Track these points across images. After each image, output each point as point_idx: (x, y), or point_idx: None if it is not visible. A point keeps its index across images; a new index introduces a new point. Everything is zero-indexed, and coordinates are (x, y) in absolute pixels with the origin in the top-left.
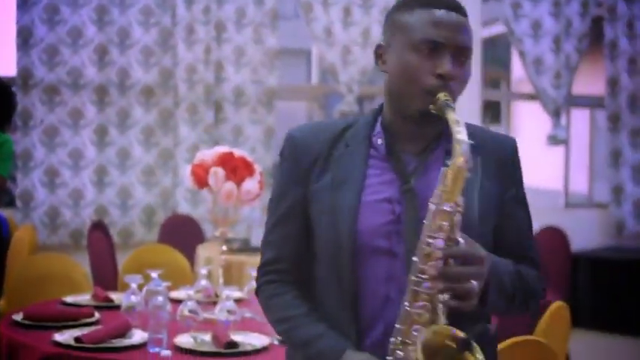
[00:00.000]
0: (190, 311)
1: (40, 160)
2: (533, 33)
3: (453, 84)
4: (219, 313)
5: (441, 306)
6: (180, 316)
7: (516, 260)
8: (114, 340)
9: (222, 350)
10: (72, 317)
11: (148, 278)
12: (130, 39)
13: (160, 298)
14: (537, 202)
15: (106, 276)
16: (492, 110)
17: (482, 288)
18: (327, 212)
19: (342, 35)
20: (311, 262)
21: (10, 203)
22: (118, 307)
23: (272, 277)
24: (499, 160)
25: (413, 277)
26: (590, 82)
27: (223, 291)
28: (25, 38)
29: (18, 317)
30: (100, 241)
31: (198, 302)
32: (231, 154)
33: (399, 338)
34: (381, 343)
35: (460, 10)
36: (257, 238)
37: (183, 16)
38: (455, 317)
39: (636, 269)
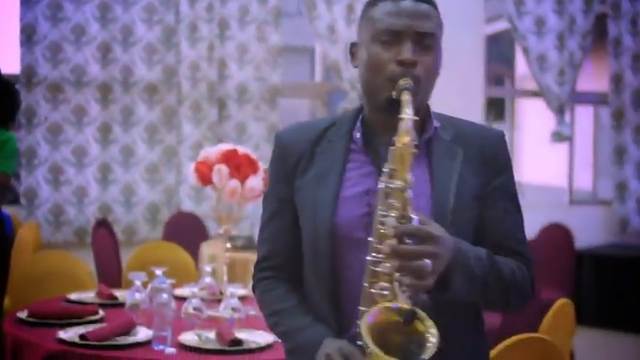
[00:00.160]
0: (195, 309)
1: (44, 157)
2: (537, 30)
3: (418, 69)
4: (223, 311)
5: (397, 285)
6: (185, 314)
7: (503, 254)
8: (118, 338)
9: (227, 348)
10: (76, 315)
11: (152, 276)
12: (134, 36)
13: (165, 296)
14: (541, 199)
15: (110, 273)
16: (496, 107)
17: (445, 272)
18: (308, 207)
19: (346, 32)
20: (302, 257)
21: (14, 201)
22: (122, 305)
23: (266, 273)
24: (482, 153)
25: (370, 258)
26: (594, 79)
27: (227, 288)
28: (28, 35)
29: (22, 315)
30: (105, 238)
31: (203, 300)
32: (235, 152)
33: None
34: None
35: None
36: None
37: (186, 13)
38: (440, 311)
39: None
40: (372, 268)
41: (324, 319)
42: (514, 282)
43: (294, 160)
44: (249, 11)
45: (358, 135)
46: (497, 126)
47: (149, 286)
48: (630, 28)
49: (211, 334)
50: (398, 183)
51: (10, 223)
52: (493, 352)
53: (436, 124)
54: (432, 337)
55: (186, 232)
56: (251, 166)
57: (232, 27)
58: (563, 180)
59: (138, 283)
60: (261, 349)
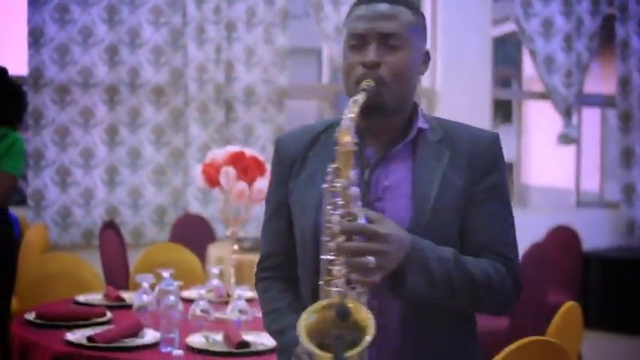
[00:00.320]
0: (202, 311)
1: (52, 159)
2: (544, 32)
3: (382, 70)
4: (230, 313)
5: (342, 282)
6: (192, 316)
7: (486, 256)
8: (126, 340)
9: (234, 350)
10: (84, 316)
11: (159, 278)
12: (141, 38)
13: (172, 298)
14: (548, 201)
15: (118, 275)
16: (503, 109)
17: (400, 269)
18: (298, 208)
19: None
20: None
21: (22, 202)
22: (129, 307)
23: (266, 273)
24: (471, 154)
25: (323, 256)
26: (601, 81)
27: (235, 290)
28: (36, 38)
29: (30, 316)
30: (112, 240)
31: (210, 302)
32: (242, 154)
33: None
34: None
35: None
36: None
37: (193, 15)
38: (417, 314)
39: None
40: (327, 266)
41: None
42: (487, 284)
43: (289, 164)
44: (256, 13)
45: None
46: (504, 128)
47: (156, 288)
48: (638, 29)
49: (219, 337)
50: (341, 181)
51: (18, 224)
52: (500, 356)
53: (424, 125)
54: (370, 329)
55: (193, 234)
56: (258, 168)
57: (239, 29)
58: (570, 182)
59: (145, 285)
60: (269, 352)
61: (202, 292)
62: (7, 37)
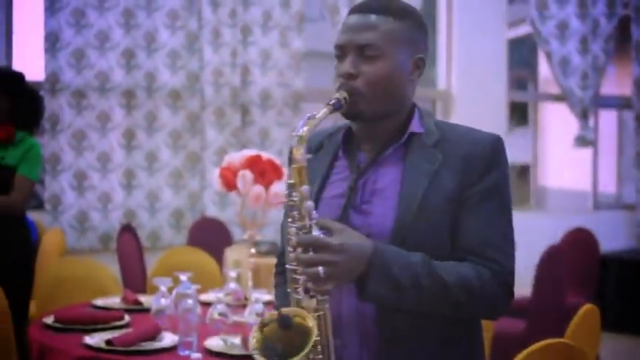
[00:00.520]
0: (220, 314)
1: (69, 163)
2: (560, 34)
3: (358, 81)
4: (248, 316)
5: (302, 289)
6: (210, 319)
7: (476, 260)
8: (144, 343)
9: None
10: (102, 320)
11: (177, 281)
12: (157, 43)
13: (190, 301)
14: (565, 204)
15: (135, 279)
16: (519, 112)
17: (362, 277)
18: None
19: None
20: None
21: (39, 207)
22: (147, 310)
23: (279, 269)
24: (466, 157)
25: (287, 265)
26: (617, 82)
27: (252, 294)
28: (52, 42)
29: (49, 320)
30: (129, 244)
31: (228, 305)
32: (259, 157)
33: None
34: (335, 333)
35: (370, 10)
36: None
37: (209, 19)
38: (402, 317)
39: None
40: (292, 275)
41: None
42: (465, 288)
43: None
44: (272, 17)
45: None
46: (520, 130)
47: (174, 292)
48: None
49: (237, 340)
50: (295, 195)
51: (35, 229)
52: (518, 358)
53: (418, 129)
54: (311, 338)
55: (211, 237)
56: (275, 171)
57: (255, 32)
58: (587, 184)
59: (163, 288)
60: None
61: (220, 295)
62: (24, 42)
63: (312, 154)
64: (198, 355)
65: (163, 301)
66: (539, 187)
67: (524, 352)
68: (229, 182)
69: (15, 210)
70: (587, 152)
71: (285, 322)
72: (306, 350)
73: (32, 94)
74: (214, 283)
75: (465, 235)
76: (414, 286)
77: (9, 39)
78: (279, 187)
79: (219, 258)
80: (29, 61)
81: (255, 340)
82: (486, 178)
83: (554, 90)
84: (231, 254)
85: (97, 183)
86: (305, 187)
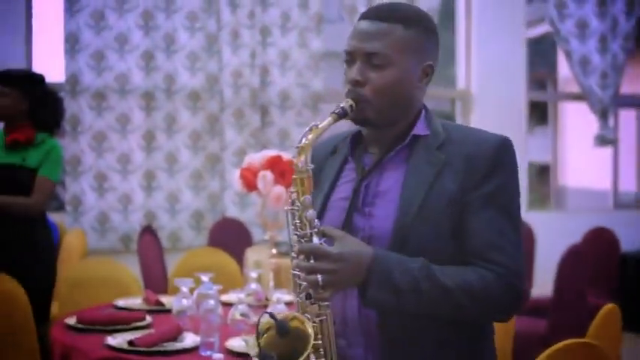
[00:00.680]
0: (241, 315)
1: (89, 165)
2: (579, 33)
3: (365, 89)
4: None
5: (303, 295)
6: (232, 320)
7: (479, 263)
8: (166, 344)
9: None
10: (124, 321)
11: (198, 282)
12: (176, 44)
13: (212, 302)
14: (586, 203)
15: (156, 280)
16: (539, 111)
17: (363, 284)
18: None
19: None
20: None
21: (60, 208)
22: (168, 311)
23: None
24: (469, 157)
25: (292, 271)
26: (637, 81)
27: (274, 294)
28: (72, 44)
29: (71, 321)
30: (150, 245)
31: (249, 306)
32: (279, 158)
33: None
34: (341, 334)
35: (379, 17)
36: None
37: (228, 20)
38: (401, 320)
39: None
40: (296, 280)
41: None
42: (466, 291)
43: (317, 171)
44: (291, 18)
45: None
46: (539, 130)
47: (195, 293)
48: None
49: None
50: (297, 205)
51: (57, 230)
52: (540, 358)
53: (422, 131)
54: (310, 341)
55: (231, 238)
56: None
57: (274, 34)
58: (607, 184)
59: (184, 289)
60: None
61: (241, 296)
62: (44, 44)
63: (328, 160)
64: (219, 355)
65: (185, 302)
66: (559, 187)
67: (547, 351)
68: (250, 183)
69: (35, 212)
70: (607, 151)
71: (282, 329)
72: (305, 355)
73: (52, 96)
74: (235, 284)
75: (469, 239)
76: (414, 291)
77: (29, 41)
78: None
79: (239, 259)
80: (49, 63)
81: (253, 345)
82: (490, 181)
83: (574, 89)
84: (251, 255)
85: (117, 184)
86: (307, 197)
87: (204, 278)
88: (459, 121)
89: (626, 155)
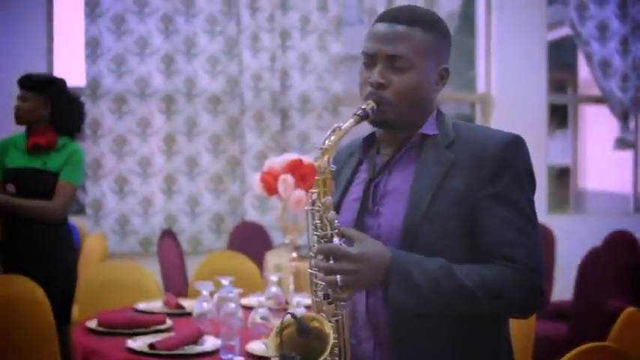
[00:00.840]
0: (262, 318)
1: (110, 168)
2: (600, 35)
3: (387, 91)
4: None
5: (321, 295)
6: (252, 323)
7: (493, 261)
8: (186, 347)
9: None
10: (145, 324)
11: (218, 285)
12: (196, 48)
13: (232, 305)
14: (606, 207)
15: (176, 283)
16: (559, 114)
17: (383, 284)
18: None
19: None
20: None
21: (80, 212)
22: (189, 314)
23: None
24: (478, 158)
25: (309, 270)
26: None
27: (294, 298)
28: (93, 49)
29: (92, 324)
30: (170, 248)
31: (270, 309)
32: (299, 162)
33: None
34: (350, 331)
35: (398, 20)
36: None
37: (248, 24)
38: (413, 317)
39: None
40: (314, 280)
41: None
42: (486, 289)
43: (336, 175)
44: (311, 21)
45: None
46: (560, 133)
47: (216, 296)
48: None
49: None
50: (318, 205)
51: (77, 233)
52: None
53: (432, 131)
54: (330, 341)
55: (251, 241)
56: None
57: (294, 37)
58: (628, 187)
59: (205, 292)
60: None
61: (262, 299)
62: (65, 48)
63: (341, 164)
64: (240, 358)
65: (205, 305)
66: (579, 190)
67: (568, 355)
68: (270, 187)
69: (56, 216)
70: (627, 154)
71: (303, 330)
72: (325, 355)
73: (73, 100)
74: (255, 287)
75: (485, 237)
76: (434, 290)
77: (50, 45)
78: None
79: (259, 262)
80: (70, 67)
81: (273, 346)
82: (497, 179)
83: (595, 92)
84: (271, 258)
85: (137, 188)
86: (328, 198)
87: (225, 282)
88: (479, 124)
89: None
